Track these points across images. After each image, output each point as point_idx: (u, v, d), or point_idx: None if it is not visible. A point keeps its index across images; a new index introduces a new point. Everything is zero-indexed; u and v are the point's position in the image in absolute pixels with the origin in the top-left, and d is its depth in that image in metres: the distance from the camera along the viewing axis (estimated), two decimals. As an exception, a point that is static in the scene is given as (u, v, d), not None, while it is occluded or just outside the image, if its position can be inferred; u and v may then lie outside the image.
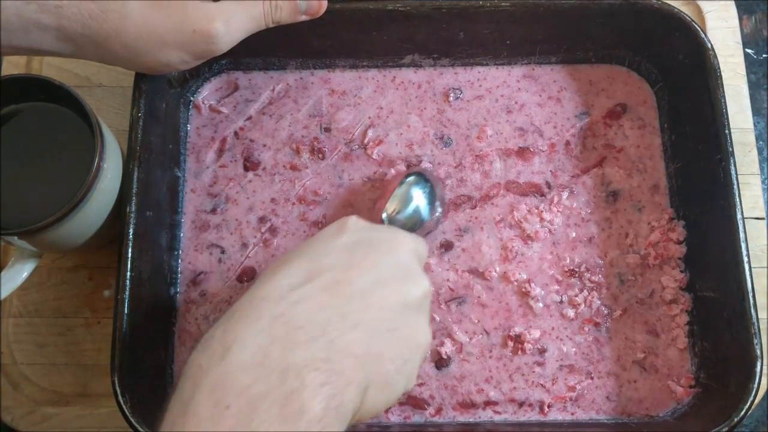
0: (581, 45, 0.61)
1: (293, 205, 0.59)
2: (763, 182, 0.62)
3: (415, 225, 0.54)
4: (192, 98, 0.61)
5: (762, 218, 0.61)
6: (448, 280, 0.57)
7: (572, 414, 0.55)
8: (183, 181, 0.59)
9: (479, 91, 0.62)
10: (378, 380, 0.38)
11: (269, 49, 0.60)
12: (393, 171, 0.59)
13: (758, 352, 0.49)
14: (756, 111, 0.64)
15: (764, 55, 0.67)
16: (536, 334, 0.56)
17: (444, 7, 0.57)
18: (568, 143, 0.61)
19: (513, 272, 0.57)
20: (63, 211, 0.48)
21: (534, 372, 0.55)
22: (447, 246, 0.58)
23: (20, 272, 0.53)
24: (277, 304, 0.37)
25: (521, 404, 0.55)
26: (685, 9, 0.63)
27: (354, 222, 0.44)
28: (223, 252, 0.58)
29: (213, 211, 0.59)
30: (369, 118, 0.61)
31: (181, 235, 0.58)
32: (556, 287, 0.57)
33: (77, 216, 0.50)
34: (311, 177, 0.60)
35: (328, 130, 0.61)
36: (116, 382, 0.48)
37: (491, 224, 0.59)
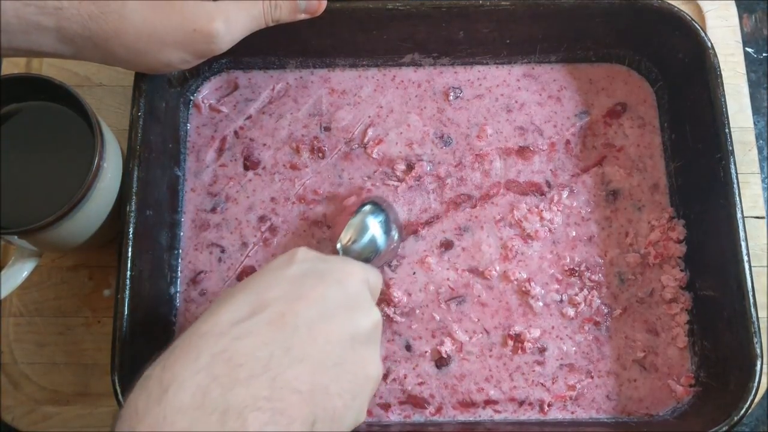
0: (581, 44, 0.61)
1: (293, 205, 0.59)
2: (763, 181, 0.62)
3: (371, 255, 0.53)
4: (192, 97, 0.61)
5: (762, 217, 0.61)
6: (448, 279, 0.57)
7: (572, 413, 0.55)
8: (183, 180, 0.59)
9: (479, 90, 0.62)
10: (325, 416, 0.37)
11: (269, 48, 0.60)
12: (352, 199, 0.58)
13: (758, 351, 0.49)
14: (756, 110, 0.64)
15: (764, 54, 0.67)
16: (536, 333, 0.56)
17: (444, 6, 0.57)
18: (568, 142, 0.61)
19: (513, 271, 0.57)
20: (63, 210, 0.48)
21: (534, 371, 0.55)
22: (447, 245, 0.58)
23: (20, 271, 0.53)
24: (218, 341, 0.36)
25: (521, 403, 0.55)
26: (685, 8, 0.63)
27: (303, 253, 0.44)
28: (223, 251, 0.58)
29: (213, 210, 0.59)
30: (369, 117, 0.61)
31: (181, 234, 0.58)
32: (556, 286, 0.57)
33: (77, 215, 0.50)
34: (311, 176, 0.60)
35: (328, 129, 0.61)
36: (116, 381, 0.48)
37: (491, 223, 0.59)
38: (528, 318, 0.56)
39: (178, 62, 0.50)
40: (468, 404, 0.55)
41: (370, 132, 0.61)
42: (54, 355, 0.57)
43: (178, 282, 0.57)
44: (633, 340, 0.56)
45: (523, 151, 0.60)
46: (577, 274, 0.57)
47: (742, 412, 0.48)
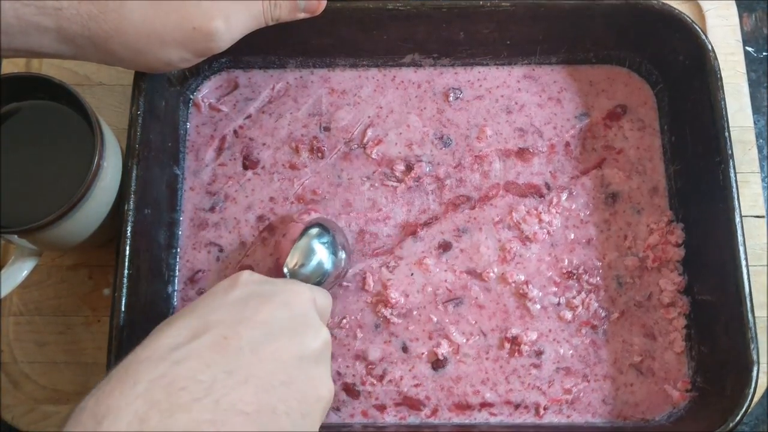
0: (582, 45, 0.60)
1: (292, 204, 0.59)
2: (763, 180, 0.62)
3: (320, 278, 0.52)
4: (192, 96, 0.61)
5: (762, 216, 0.60)
6: (445, 280, 0.57)
7: (568, 417, 0.55)
8: (182, 179, 0.60)
9: (479, 91, 0.62)
10: None
11: (269, 47, 0.60)
12: (294, 226, 0.57)
13: (755, 357, 0.49)
14: (756, 109, 0.64)
15: (764, 53, 0.67)
16: (533, 336, 0.56)
17: (444, 7, 0.56)
18: (567, 144, 0.60)
19: (511, 273, 0.57)
20: (62, 209, 0.48)
21: (530, 374, 0.55)
22: (445, 246, 0.58)
23: (20, 271, 0.53)
24: (157, 366, 0.35)
25: (517, 406, 0.55)
26: (685, 7, 0.63)
27: (247, 276, 0.43)
28: (221, 250, 0.58)
29: (212, 209, 0.59)
30: (368, 117, 0.61)
31: (180, 233, 0.58)
32: (554, 289, 0.57)
33: (77, 214, 0.50)
34: (310, 176, 0.60)
35: (327, 129, 0.61)
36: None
37: (490, 225, 0.58)
38: (525, 321, 0.56)
39: (179, 61, 0.50)
40: (464, 406, 0.55)
41: (369, 132, 0.61)
42: (54, 354, 0.57)
43: (176, 281, 0.57)
44: (630, 344, 0.56)
45: (522, 153, 0.60)
46: (575, 277, 0.57)
47: (738, 417, 0.48)
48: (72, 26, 0.45)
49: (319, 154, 0.60)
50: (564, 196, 0.59)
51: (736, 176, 0.52)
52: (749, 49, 0.66)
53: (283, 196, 0.59)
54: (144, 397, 0.33)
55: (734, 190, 0.52)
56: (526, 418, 0.55)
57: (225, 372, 0.36)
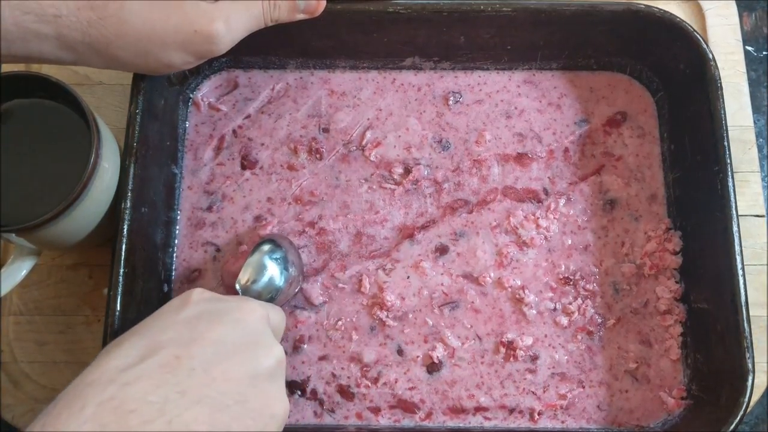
0: (582, 52, 0.60)
1: (289, 205, 0.59)
2: (762, 180, 0.62)
3: (272, 294, 0.51)
4: (191, 95, 0.61)
5: (762, 216, 0.60)
6: (442, 284, 0.57)
7: (562, 422, 0.55)
8: (180, 178, 0.59)
9: (479, 96, 0.62)
10: None
11: (270, 48, 0.60)
12: (244, 246, 0.57)
13: (750, 366, 0.49)
14: (756, 108, 0.64)
15: (764, 53, 0.67)
16: (529, 341, 0.56)
17: (445, 11, 0.56)
18: (566, 150, 0.60)
19: (507, 278, 0.57)
20: (60, 208, 0.48)
21: (525, 379, 0.55)
22: (442, 250, 0.58)
23: (19, 270, 0.53)
24: (106, 388, 0.34)
25: (511, 411, 0.55)
26: (685, 7, 0.63)
27: (198, 294, 0.43)
28: (218, 250, 0.58)
29: (209, 208, 0.59)
30: (368, 119, 0.61)
31: (177, 232, 0.58)
32: (550, 294, 0.57)
33: (74, 213, 0.50)
34: (308, 177, 0.60)
35: (326, 130, 0.61)
36: (106, 378, 0.48)
37: (487, 229, 0.58)
38: (521, 325, 0.56)
39: (180, 63, 0.50)
40: (458, 410, 0.55)
41: (368, 134, 0.61)
42: (54, 354, 0.57)
43: (172, 280, 0.57)
44: (626, 350, 0.56)
45: (521, 158, 0.60)
46: (571, 283, 0.57)
47: (732, 426, 0.48)
48: (72, 33, 0.45)
49: (318, 156, 0.60)
50: (562, 201, 0.59)
51: (734, 185, 0.52)
52: (749, 48, 0.66)
53: (281, 196, 0.59)
54: (92, 421, 0.32)
55: (732, 199, 0.52)
56: (521, 423, 0.54)
57: (177, 392, 0.35)
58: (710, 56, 0.55)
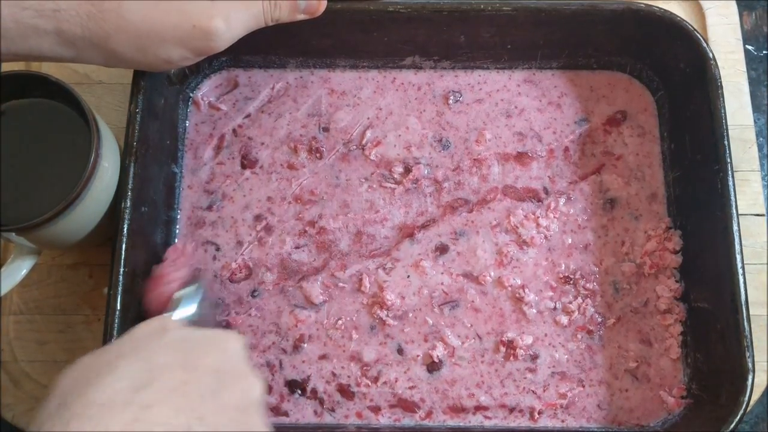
0: (583, 51, 0.60)
1: (289, 204, 0.59)
2: (763, 179, 0.62)
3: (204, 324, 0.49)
4: (191, 95, 0.61)
5: (762, 215, 0.60)
6: (442, 283, 0.57)
7: (562, 421, 0.55)
8: (180, 177, 0.59)
9: (479, 95, 0.62)
10: None
11: (270, 47, 0.60)
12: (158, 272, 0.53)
13: (750, 365, 0.49)
14: (756, 107, 0.64)
15: (764, 52, 0.67)
16: (529, 340, 0.56)
17: (445, 10, 0.56)
18: (566, 149, 0.60)
19: (507, 277, 0.57)
20: (59, 207, 0.48)
21: (525, 378, 0.55)
22: (442, 249, 0.58)
23: (19, 269, 0.53)
24: (126, 409, 0.33)
25: (512, 410, 0.55)
26: (686, 6, 0.63)
27: (170, 320, 0.43)
28: (218, 249, 0.58)
29: (209, 208, 0.59)
30: (368, 118, 0.61)
31: (177, 231, 0.58)
32: (551, 294, 0.57)
33: (74, 212, 0.50)
34: (308, 176, 0.60)
35: (326, 129, 0.61)
36: (106, 377, 0.48)
37: (487, 228, 0.58)
38: (521, 325, 0.56)
39: (178, 59, 0.50)
40: (458, 409, 0.55)
41: (368, 134, 0.61)
42: (54, 353, 0.57)
43: (173, 279, 0.57)
44: (626, 349, 0.56)
45: (521, 157, 0.60)
46: (571, 282, 0.57)
47: (732, 425, 0.48)
48: (71, 28, 0.45)
49: (318, 155, 0.60)
50: (562, 201, 0.59)
51: (734, 184, 0.52)
52: (749, 47, 0.66)
53: (281, 196, 0.59)
54: None
55: (732, 198, 0.52)
56: (521, 422, 0.55)
57: (196, 418, 0.35)
58: (710, 55, 0.55)
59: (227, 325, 0.56)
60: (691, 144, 0.57)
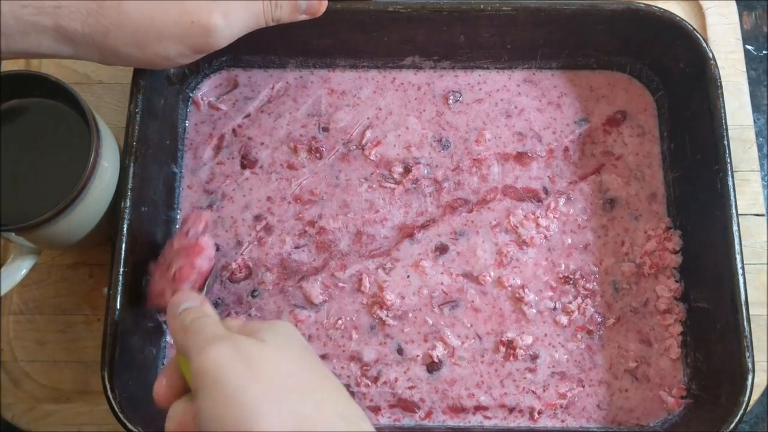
0: (582, 51, 0.60)
1: (289, 204, 0.59)
2: (762, 179, 0.62)
3: None
4: (191, 94, 0.61)
5: (762, 215, 0.60)
6: (441, 283, 0.57)
7: (562, 421, 0.55)
8: (180, 177, 0.59)
9: (479, 95, 0.62)
10: None
11: (269, 47, 0.60)
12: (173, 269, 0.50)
13: (750, 365, 0.49)
14: (756, 107, 0.64)
15: (764, 52, 0.67)
16: (529, 340, 0.56)
17: (445, 10, 0.56)
18: (566, 149, 0.60)
19: (507, 277, 0.57)
20: (59, 207, 0.48)
21: (525, 378, 0.55)
22: (442, 249, 0.58)
23: (19, 269, 0.53)
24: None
25: (511, 410, 0.55)
26: (685, 6, 0.63)
27: (288, 324, 0.43)
28: (217, 249, 0.58)
29: (209, 207, 0.59)
30: (368, 118, 0.61)
31: (176, 230, 0.58)
32: (550, 294, 0.57)
33: (74, 212, 0.50)
34: (308, 176, 0.60)
35: (326, 129, 0.61)
36: (106, 377, 0.48)
37: (487, 228, 0.58)
38: (521, 325, 0.56)
39: (176, 56, 0.50)
40: (458, 409, 0.55)
41: (368, 134, 0.61)
42: (54, 353, 0.57)
43: (172, 279, 0.57)
44: (626, 349, 0.56)
45: (521, 157, 0.60)
46: (571, 282, 0.57)
47: (732, 425, 0.48)
48: (71, 24, 0.45)
49: (318, 155, 0.60)
50: (562, 201, 0.59)
51: (734, 184, 0.52)
52: (749, 47, 0.66)
53: (281, 195, 0.59)
54: None
55: (732, 198, 0.52)
56: (521, 422, 0.54)
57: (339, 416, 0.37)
58: (710, 55, 0.55)
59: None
60: (690, 144, 0.57)
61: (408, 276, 0.57)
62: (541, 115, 0.61)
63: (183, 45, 0.49)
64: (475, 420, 0.55)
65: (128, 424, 0.47)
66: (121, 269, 0.50)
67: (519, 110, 0.61)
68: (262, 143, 0.61)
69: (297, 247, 0.58)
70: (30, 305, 0.58)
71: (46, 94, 0.52)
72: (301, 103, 0.62)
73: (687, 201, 0.57)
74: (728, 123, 0.54)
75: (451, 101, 0.61)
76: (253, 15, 0.50)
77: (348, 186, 0.59)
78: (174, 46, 0.49)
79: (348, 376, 0.55)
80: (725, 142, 0.53)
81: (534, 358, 0.56)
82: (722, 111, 0.54)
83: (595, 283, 0.57)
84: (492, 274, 0.57)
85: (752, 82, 0.64)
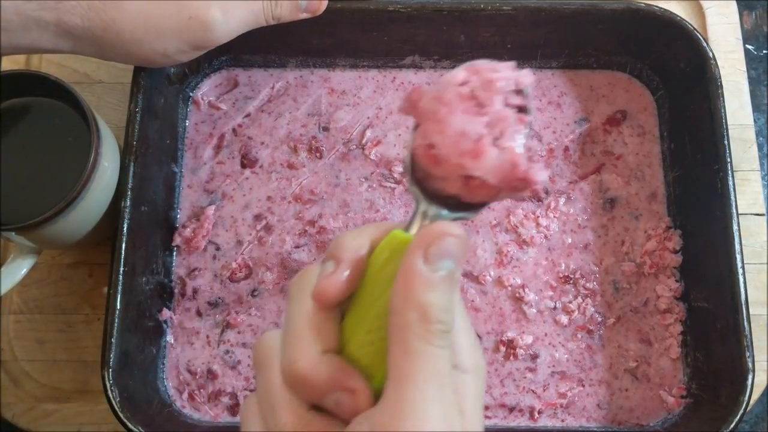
0: (582, 50, 0.60)
1: (289, 204, 0.59)
2: (762, 178, 0.62)
3: None
4: (191, 94, 0.61)
5: (762, 214, 0.60)
6: (442, 283, 0.57)
7: (562, 421, 0.55)
8: (180, 176, 0.59)
9: (479, 94, 0.62)
10: None
11: (270, 46, 0.60)
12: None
13: (750, 365, 0.49)
14: (756, 107, 0.64)
15: (764, 51, 0.67)
16: (529, 339, 0.56)
17: (445, 9, 0.56)
18: (566, 149, 0.60)
19: (507, 277, 0.57)
20: (59, 206, 0.48)
21: (525, 378, 0.55)
22: (442, 249, 0.58)
23: (19, 268, 0.53)
24: None
25: (511, 410, 0.55)
26: (686, 5, 0.63)
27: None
28: (217, 248, 0.58)
29: (209, 207, 0.59)
30: (368, 118, 0.61)
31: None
32: (550, 293, 0.57)
33: (74, 212, 0.50)
34: (308, 176, 0.60)
35: (326, 129, 0.61)
36: (106, 377, 0.48)
37: (487, 228, 0.58)
38: (521, 324, 0.56)
39: (174, 51, 0.50)
40: (458, 409, 0.55)
41: (368, 133, 0.61)
42: (54, 353, 0.57)
43: (172, 278, 0.57)
44: (626, 349, 0.56)
45: (521, 157, 0.60)
46: (571, 282, 0.57)
47: (732, 425, 0.48)
48: (72, 18, 0.46)
49: (318, 154, 0.60)
50: (562, 200, 0.59)
51: (734, 184, 0.52)
52: (749, 47, 0.66)
53: (281, 195, 0.59)
54: None
55: (732, 197, 0.52)
56: (521, 421, 0.54)
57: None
58: (710, 55, 0.55)
59: (227, 326, 0.56)
60: (691, 144, 0.57)
61: (408, 275, 0.57)
62: (541, 115, 0.61)
63: (181, 40, 0.49)
64: (475, 419, 0.55)
65: (128, 424, 0.47)
66: (121, 269, 0.50)
67: (519, 110, 0.61)
68: (263, 143, 0.61)
69: (297, 247, 0.58)
70: (30, 305, 0.58)
71: (47, 94, 0.52)
72: (301, 102, 0.62)
73: (687, 201, 0.57)
74: (728, 123, 0.54)
75: (451, 101, 0.61)
76: (253, 12, 0.50)
77: (348, 185, 0.59)
78: (172, 42, 0.49)
79: (348, 376, 0.55)
80: (725, 142, 0.53)
81: (534, 357, 0.56)
82: (722, 111, 0.54)
83: (595, 283, 0.57)
84: (492, 273, 0.57)
85: (752, 82, 0.64)
